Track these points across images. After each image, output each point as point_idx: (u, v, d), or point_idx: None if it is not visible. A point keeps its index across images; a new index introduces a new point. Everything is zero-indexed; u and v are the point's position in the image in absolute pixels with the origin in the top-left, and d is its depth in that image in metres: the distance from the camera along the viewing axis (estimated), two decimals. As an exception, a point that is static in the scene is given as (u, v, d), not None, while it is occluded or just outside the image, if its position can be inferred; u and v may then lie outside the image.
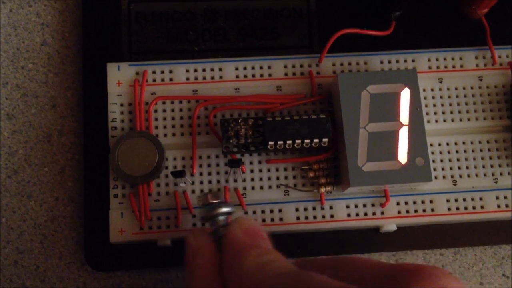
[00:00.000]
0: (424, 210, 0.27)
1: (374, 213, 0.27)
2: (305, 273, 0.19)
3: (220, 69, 0.28)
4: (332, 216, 0.27)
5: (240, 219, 0.23)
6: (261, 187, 0.27)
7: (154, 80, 0.28)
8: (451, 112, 0.28)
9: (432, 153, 0.28)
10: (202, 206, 0.24)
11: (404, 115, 0.26)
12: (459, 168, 0.28)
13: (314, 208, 0.27)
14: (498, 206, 0.28)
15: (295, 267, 0.20)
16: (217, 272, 0.22)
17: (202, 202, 0.24)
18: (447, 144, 0.28)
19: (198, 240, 0.23)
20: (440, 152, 0.28)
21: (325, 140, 0.26)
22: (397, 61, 0.29)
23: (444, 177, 0.28)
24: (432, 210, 0.27)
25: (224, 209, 0.24)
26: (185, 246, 0.23)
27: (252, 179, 0.27)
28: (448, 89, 0.29)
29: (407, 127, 0.26)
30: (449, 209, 0.28)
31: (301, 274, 0.19)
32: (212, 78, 0.28)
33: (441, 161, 0.28)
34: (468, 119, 0.28)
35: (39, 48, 0.30)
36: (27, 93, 0.29)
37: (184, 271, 0.23)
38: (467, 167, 0.28)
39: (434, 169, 0.28)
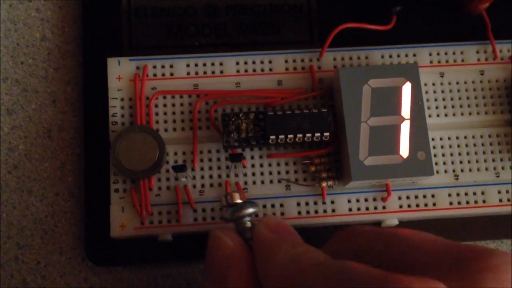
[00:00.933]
0: (425, 205, 0.27)
1: (375, 208, 0.27)
2: (340, 262, 0.18)
3: (221, 64, 0.28)
4: (333, 210, 0.27)
5: (264, 219, 0.22)
6: (262, 182, 0.27)
7: (155, 75, 0.28)
8: (453, 106, 0.28)
9: (434, 147, 0.28)
10: (226, 206, 0.24)
11: (405, 109, 0.26)
12: (460, 162, 0.28)
13: (315, 203, 0.27)
14: (500, 201, 0.28)
15: (329, 257, 0.19)
16: (256, 279, 0.21)
17: (226, 201, 0.24)
18: (449, 138, 0.28)
19: (235, 242, 0.22)
20: (442, 146, 0.28)
21: (326, 134, 0.26)
22: (398, 56, 0.29)
23: (445, 171, 0.28)
24: (434, 204, 0.27)
25: (251, 210, 0.23)
26: (214, 245, 0.22)
27: (253, 174, 0.27)
28: (449, 83, 0.29)
29: (409, 121, 0.26)
30: (450, 203, 0.27)
31: (336, 263, 0.18)
32: (213, 72, 0.28)
33: (443, 155, 0.28)
34: (470, 113, 0.28)
35: (39, 43, 0.30)
36: (27, 88, 0.29)
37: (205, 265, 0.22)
38: (469, 161, 0.28)
39: (436, 163, 0.28)
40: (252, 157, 0.27)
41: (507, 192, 0.28)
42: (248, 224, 0.23)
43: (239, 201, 0.24)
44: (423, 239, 0.19)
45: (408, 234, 0.19)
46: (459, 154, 0.28)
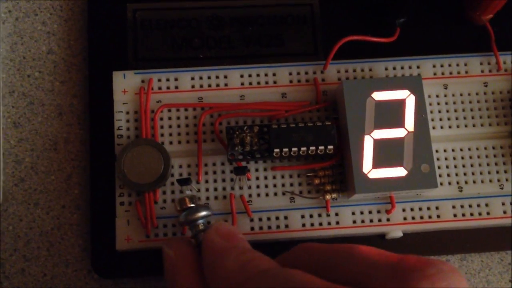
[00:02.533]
0: (430, 217, 0.27)
1: (379, 220, 0.27)
2: (287, 271, 0.18)
3: (225, 77, 0.28)
4: (337, 223, 0.27)
5: (215, 224, 0.22)
6: (267, 194, 0.27)
7: (160, 88, 0.28)
8: (457, 118, 0.28)
9: (438, 159, 0.28)
10: (180, 211, 0.24)
11: (409, 122, 0.26)
12: (464, 174, 0.28)
13: (319, 215, 0.27)
14: (504, 212, 0.28)
15: (277, 265, 0.20)
16: (202, 282, 0.21)
17: (180, 206, 0.24)
18: (453, 150, 0.28)
19: (177, 251, 0.22)
20: (446, 159, 0.28)
21: (330, 147, 0.26)
22: (402, 68, 0.29)
23: (449, 183, 0.28)
24: (438, 216, 0.27)
25: (203, 213, 0.24)
26: (163, 257, 0.23)
27: (258, 186, 0.27)
28: (453, 95, 0.29)
29: (413, 133, 0.26)
30: (455, 215, 0.27)
31: (283, 271, 0.19)
32: (217, 85, 0.28)
33: (447, 167, 0.28)
34: (474, 125, 0.28)
35: (45, 57, 0.30)
36: (33, 101, 0.29)
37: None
38: (473, 173, 0.28)
39: (440, 176, 0.28)
40: (257, 170, 0.27)
41: (511, 204, 0.28)
42: (201, 227, 0.23)
43: (191, 205, 0.24)
44: (368, 252, 0.19)
45: (356, 249, 0.20)
46: (463, 166, 0.28)
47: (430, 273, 0.18)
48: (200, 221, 0.23)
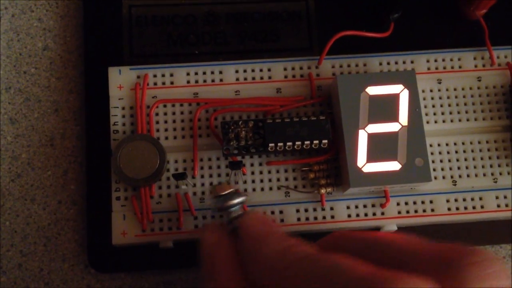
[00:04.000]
0: (424, 210, 0.28)
1: (374, 214, 0.27)
2: (330, 256, 0.18)
3: (221, 72, 0.29)
4: (332, 217, 0.27)
5: (251, 211, 0.23)
6: (262, 189, 0.27)
7: (155, 84, 0.28)
8: (450, 113, 0.29)
9: (432, 153, 0.28)
10: (214, 198, 0.24)
11: (403, 116, 0.27)
12: (458, 168, 0.28)
13: (314, 209, 0.27)
14: (498, 206, 0.28)
15: (316, 251, 0.19)
16: (239, 267, 0.21)
17: (214, 193, 0.24)
18: (447, 144, 0.28)
19: (215, 236, 0.22)
20: (440, 153, 0.28)
21: (325, 141, 0.26)
22: (396, 63, 0.29)
23: (443, 177, 0.28)
24: (432, 210, 0.28)
25: (238, 199, 0.24)
26: (200, 243, 0.23)
27: (253, 181, 0.27)
28: (447, 89, 0.29)
29: (406, 128, 0.26)
30: (449, 209, 0.28)
31: (326, 257, 0.18)
32: (213, 81, 0.28)
33: (441, 161, 0.28)
34: (467, 120, 0.29)
35: (41, 53, 0.30)
36: (29, 98, 0.29)
37: (199, 270, 0.22)
38: (467, 167, 0.28)
39: (434, 170, 0.28)
40: (252, 165, 0.28)
41: (505, 197, 0.28)
42: (235, 214, 0.23)
43: (226, 192, 0.24)
44: (408, 241, 0.19)
45: (393, 237, 0.20)
46: (457, 160, 0.28)
47: (475, 261, 0.18)
48: (234, 208, 0.24)
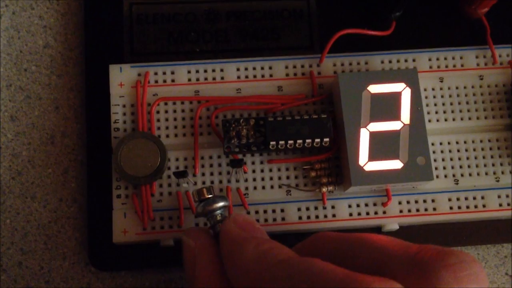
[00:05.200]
0: (426, 209, 0.27)
1: (376, 213, 0.27)
2: (306, 259, 0.18)
3: (222, 70, 0.28)
4: (334, 215, 0.27)
5: (232, 215, 0.23)
6: (263, 187, 0.27)
7: (156, 81, 0.28)
8: (452, 111, 0.28)
9: (433, 152, 0.28)
10: (197, 202, 0.24)
11: (405, 115, 0.26)
12: (460, 167, 0.28)
13: (316, 208, 0.27)
14: (500, 205, 0.28)
15: (295, 254, 0.20)
16: (222, 273, 0.22)
17: (197, 197, 0.24)
18: (448, 143, 0.28)
19: (197, 241, 0.23)
20: (442, 151, 0.28)
21: (326, 140, 0.26)
22: (398, 61, 0.29)
23: (445, 176, 0.28)
24: (434, 209, 0.27)
25: (221, 204, 0.24)
26: (183, 247, 0.23)
27: (254, 179, 0.27)
28: (448, 88, 0.29)
29: (408, 126, 0.26)
30: (451, 208, 0.28)
31: (303, 260, 0.19)
32: (214, 79, 0.28)
33: (443, 160, 0.28)
34: (469, 118, 0.28)
35: (42, 50, 0.30)
36: (30, 95, 0.29)
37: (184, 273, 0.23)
38: (469, 166, 0.28)
39: (436, 168, 0.28)
40: (253, 163, 0.27)
41: (507, 196, 0.28)
42: (219, 217, 0.24)
43: (209, 196, 0.24)
44: (387, 242, 0.19)
45: (373, 238, 0.20)
46: (459, 159, 0.28)
47: (451, 263, 0.18)
48: (218, 211, 0.24)
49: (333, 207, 0.27)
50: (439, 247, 0.19)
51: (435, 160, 0.28)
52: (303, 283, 0.18)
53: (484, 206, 0.28)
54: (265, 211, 0.27)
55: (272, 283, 0.19)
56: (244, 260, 0.20)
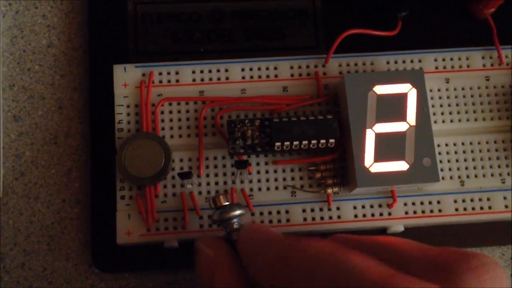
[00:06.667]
0: (431, 211, 0.27)
1: (381, 214, 0.27)
2: (344, 252, 0.18)
3: (226, 70, 0.28)
4: (339, 217, 0.27)
5: (249, 224, 0.23)
6: (268, 188, 0.27)
7: (161, 82, 0.28)
8: (458, 112, 0.28)
9: (439, 153, 0.28)
10: (213, 209, 0.24)
11: (411, 116, 0.26)
12: (466, 168, 0.28)
13: (321, 209, 0.27)
14: (506, 207, 0.28)
15: (331, 247, 0.19)
16: (243, 282, 0.21)
17: (213, 205, 0.24)
18: (454, 144, 0.28)
19: (216, 251, 0.22)
20: (447, 153, 0.28)
21: (331, 141, 0.26)
22: (404, 62, 0.29)
23: (451, 177, 0.28)
24: (440, 210, 0.27)
25: (238, 212, 0.24)
26: (198, 256, 0.23)
27: (259, 180, 0.27)
28: (455, 89, 0.29)
29: (414, 127, 0.26)
30: (456, 209, 0.27)
31: (336, 253, 0.18)
32: (218, 79, 0.28)
33: (448, 161, 0.28)
34: (475, 119, 0.28)
35: (46, 50, 0.30)
36: (33, 95, 0.29)
37: (194, 277, 0.23)
38: (475, 168, 0.28)
39: (442, 170, 0.28)
40: (258, 164, 0.27)
41: (513, 198, 0.28)
42: (236, 226, 0.23)
43: (226, 203, 0.24)
44: (407, 244, 0.19)
45: (392, 241, 0.20)
46: (465, 160, 0.28)
47: (474, 266, 0.18)
48: (234, 220, 0.23)
49: (338, 208, 0.27)
50: (460, 250, 0.18)
51: (440, 162, 0.28)
52: (341, 280, 0.17)
53: (489, 207, 0.28)
54: (269, 213, 0.27)
55: (305, 278, 0.18)
56: (269, 259, 0.20)
